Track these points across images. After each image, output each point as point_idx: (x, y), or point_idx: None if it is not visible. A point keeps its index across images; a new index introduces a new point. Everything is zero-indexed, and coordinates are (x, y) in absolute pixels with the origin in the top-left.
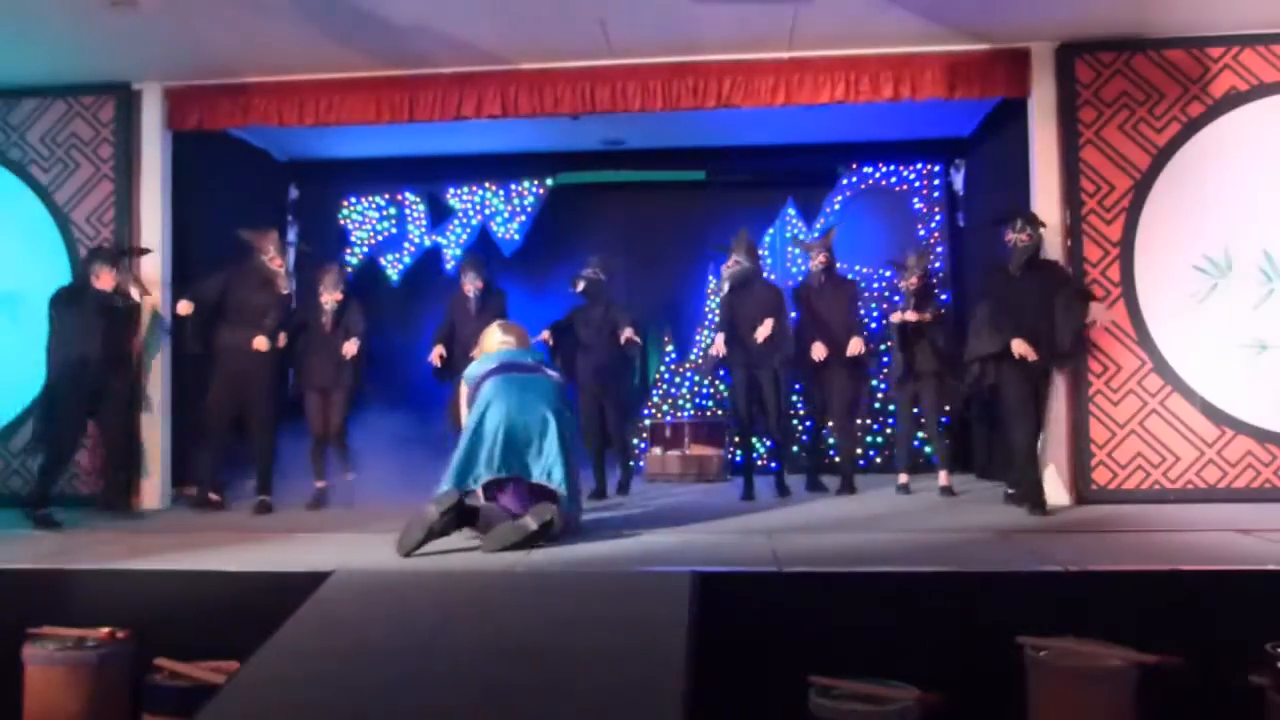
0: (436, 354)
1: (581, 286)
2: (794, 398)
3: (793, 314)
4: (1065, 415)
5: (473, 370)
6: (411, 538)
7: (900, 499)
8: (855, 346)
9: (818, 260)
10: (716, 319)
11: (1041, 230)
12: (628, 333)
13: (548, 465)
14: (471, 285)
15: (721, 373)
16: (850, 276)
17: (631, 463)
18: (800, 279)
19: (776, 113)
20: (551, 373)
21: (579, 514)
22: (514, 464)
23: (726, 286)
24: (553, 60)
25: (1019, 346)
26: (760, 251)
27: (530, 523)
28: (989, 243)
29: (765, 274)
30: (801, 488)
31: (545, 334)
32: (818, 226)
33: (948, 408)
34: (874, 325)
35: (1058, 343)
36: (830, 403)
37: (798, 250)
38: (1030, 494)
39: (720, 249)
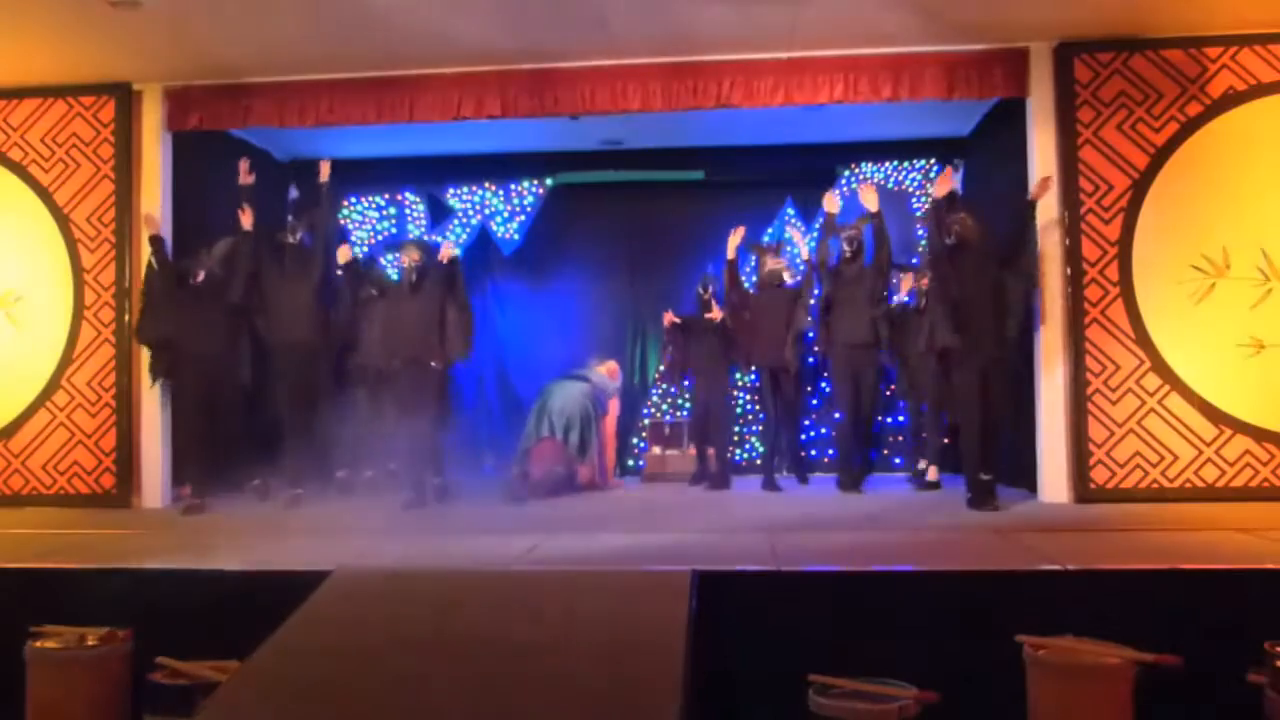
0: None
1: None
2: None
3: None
4: (1064, 414)
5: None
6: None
7: (899, 498)
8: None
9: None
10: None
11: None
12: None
13: (570, 434)
14: (408, 258)
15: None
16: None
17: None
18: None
19: (776, 112)
20: (591, 381)
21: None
22: (552, 430)
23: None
24: (553, 60)
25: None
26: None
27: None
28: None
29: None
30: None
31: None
32: (816, 225)
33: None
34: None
35: (1007, 328)
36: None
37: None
38: (975, 490)
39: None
